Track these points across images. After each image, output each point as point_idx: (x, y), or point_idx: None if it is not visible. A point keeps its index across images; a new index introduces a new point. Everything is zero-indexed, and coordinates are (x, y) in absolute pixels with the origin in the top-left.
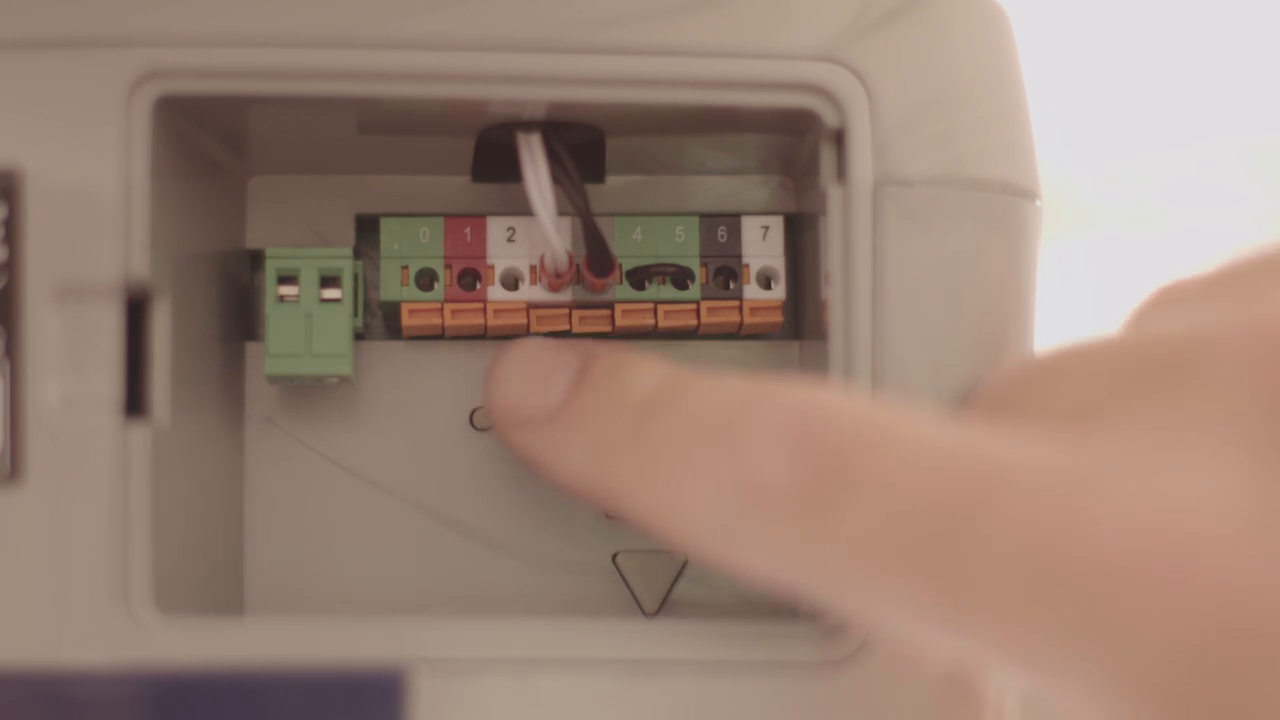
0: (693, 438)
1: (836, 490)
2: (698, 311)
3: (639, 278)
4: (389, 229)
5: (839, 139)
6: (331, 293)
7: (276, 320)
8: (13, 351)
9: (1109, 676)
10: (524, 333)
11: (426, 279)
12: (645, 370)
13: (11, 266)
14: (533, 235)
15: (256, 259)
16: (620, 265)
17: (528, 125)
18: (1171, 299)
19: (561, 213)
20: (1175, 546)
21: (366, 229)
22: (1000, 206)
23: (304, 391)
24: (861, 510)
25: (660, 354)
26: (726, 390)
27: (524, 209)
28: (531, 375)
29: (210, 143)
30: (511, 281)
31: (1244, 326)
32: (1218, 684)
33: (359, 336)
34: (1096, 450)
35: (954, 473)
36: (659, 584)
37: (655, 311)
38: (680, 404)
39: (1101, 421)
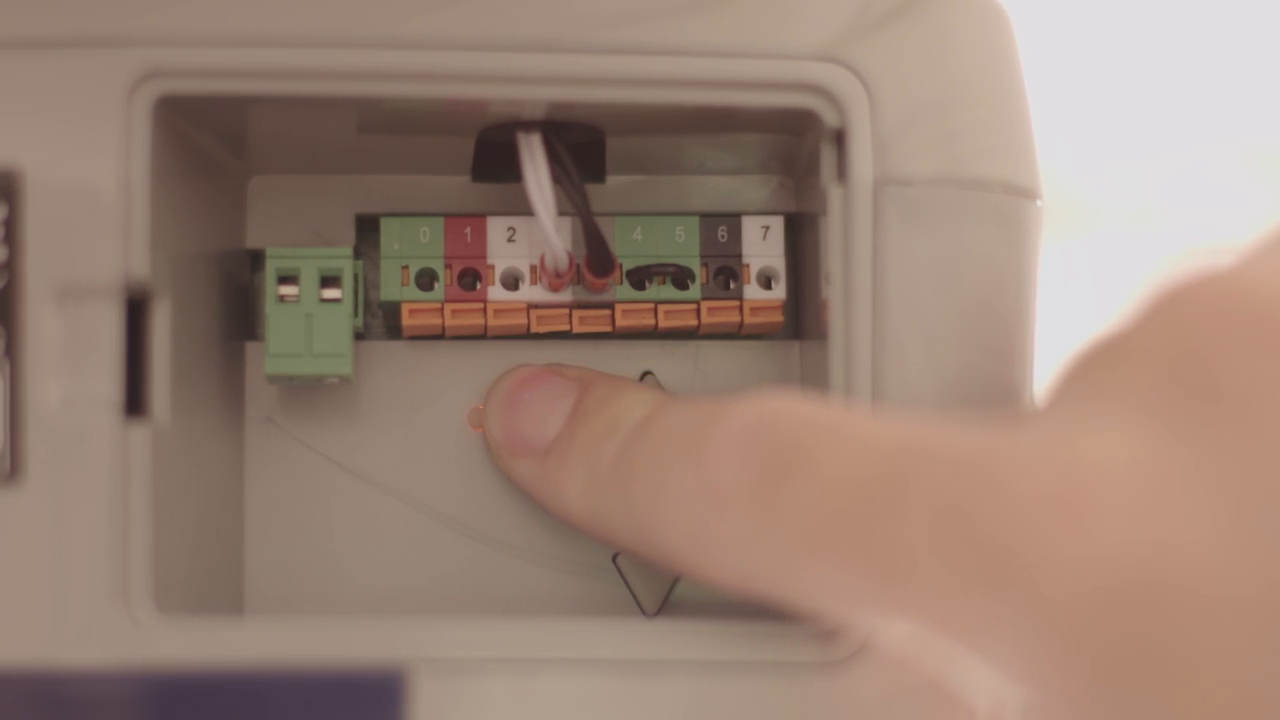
0: (665, 459)
1: (778, 485)
2: (698, 311)
3: (639, 278)
4: (389, 229)
5: (839, 139)
6: (331, 292)
7: (276, 320)
8: (12, 351)
9: (1022, 632)
10: (524, 333)
11: (426, 279)
12: (633, 401)
13: (11, 266)
14: (533, 235)
15: (257, 259)
16: (620, 265)
17: (528, 125)
18: None
19: (562, 212)
20: (1075, 502)
21: (366, 229)
22: (1001, 206)
23: (304, 391)
24: (799, 500)
25: (660, 353)
26: (694, 411)
27: (524, 209)
28: (529, 405)
29: (210, 142)
30: (512, 281)
31: (1162, 304)
32: (1117, 633)
33: (359, 336)
34: (1013, 427)
35: (877, 457)
36: (659, 584)
37: (655, 311)
38: (655, 430)
39: (1037, 408)
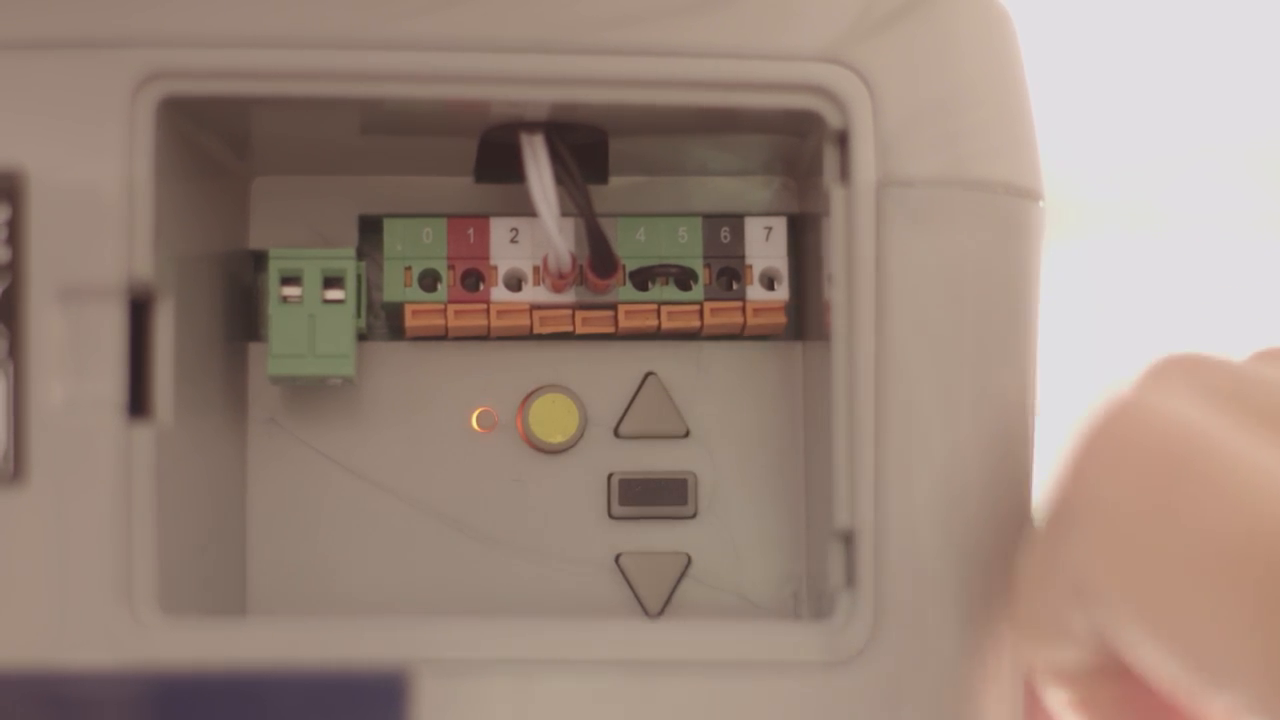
0: None
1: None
2: (701, 312)
3: (642, 278)
4: (392, 230)
5: (842, 140)
6: (334, 293)
7: (279, 321)
8: (16, 352)
9: None
10: (527, 334)
11: (429, 280)
12: None
13: (15, 267)
14: (536, 236)
15: (260, 259)
16: (623, 266)
17: (531, 126)
18: None
19: (564, 213)
20: None
21: (369, 229)
22: (1003, 207)
23: (307, 392)
24: (1191, 528)
25: (663, 354)
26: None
27: (527, 210)
28: None
29: (214, 144)
30: (514, 282)
31: None
32: None
33: (362, 337)
34: None
35: None
36: (662, 585)
37: (658, 312)
38: None
39: None
